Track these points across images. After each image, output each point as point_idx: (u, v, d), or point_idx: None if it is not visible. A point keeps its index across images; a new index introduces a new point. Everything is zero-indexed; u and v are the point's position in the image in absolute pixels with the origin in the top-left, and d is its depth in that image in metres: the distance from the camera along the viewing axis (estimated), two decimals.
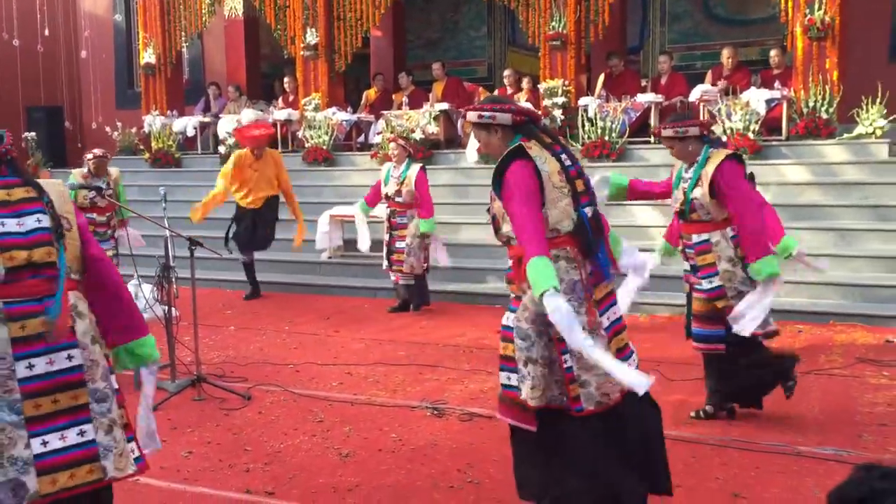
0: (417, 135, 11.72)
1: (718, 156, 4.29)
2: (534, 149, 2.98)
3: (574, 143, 10.66)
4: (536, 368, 2.91)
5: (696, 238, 4.49)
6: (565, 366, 2.92)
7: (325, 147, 12.30)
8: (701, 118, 10.14)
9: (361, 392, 5.35)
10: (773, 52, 10.86)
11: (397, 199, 7.68)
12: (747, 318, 4.21)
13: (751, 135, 9.74)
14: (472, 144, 11.39)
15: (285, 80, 13.60)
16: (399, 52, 15.13)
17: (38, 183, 2.43)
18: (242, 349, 6.69)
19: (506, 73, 12.72)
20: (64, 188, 2.48)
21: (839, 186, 9.08)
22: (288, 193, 8.92)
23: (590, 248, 2.94)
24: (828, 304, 7.66)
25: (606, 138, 10.57)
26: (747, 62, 11.69)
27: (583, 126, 10.77)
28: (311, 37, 12.69)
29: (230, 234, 8.87)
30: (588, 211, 3.01)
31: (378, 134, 12.23)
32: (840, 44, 9.86)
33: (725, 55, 11.01)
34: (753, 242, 4.21)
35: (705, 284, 4.46)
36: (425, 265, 7.68)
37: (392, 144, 7.80)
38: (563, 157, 3.04)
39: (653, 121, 10.74)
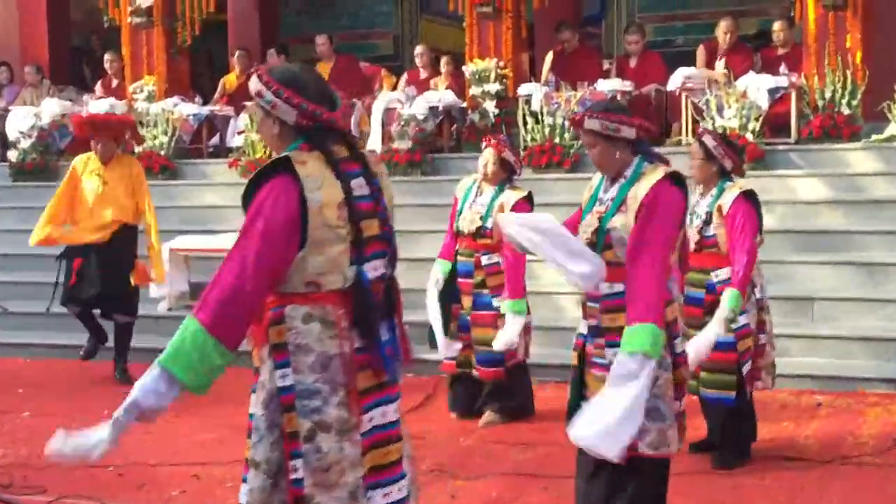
0: None
1: (653, 174, 3.85)
2: (309, 163, 2.92)
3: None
4: (258, 476, 2.94)
5: (605, 288, 3.91)
6: (292, 476, 2.88)
7: (162, 152, 12.03)
8: (687, 116, 10.36)
9: None
10: (776, 26, 11.09)
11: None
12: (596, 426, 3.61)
13: (750, 136, 9.87)
14: (372, 147, 11.23)
15: (106, 57, 13.32)
16: (269, 19, 15.03)
17: None
18: (40, 444, 6.25)
19: (418, 49, 12.68)
20: None
21: (866, 205, 9.24)
22: (148, 217, 8.10)
23: (366, 322, 2.96)
24: (855, 365, 7.72)
25: (557, 140, 10.55)
26: (742, 38, 11.83)
27: (524, 123, 10.76)
28: None
29: (58, 282, 8.25)
30: (373, 269, 2.99)
31: (239, 134, 12.02)
32: (864, 14, 10.12)
33: (722, 29, 11.16)
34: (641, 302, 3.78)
35: (609, 357, 3.83)
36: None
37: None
38: (358, 183, 2.99)
39: None
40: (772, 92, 10.03)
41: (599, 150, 3.93)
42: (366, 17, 16.16)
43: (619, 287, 3.83)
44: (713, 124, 9.88)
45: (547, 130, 10.61)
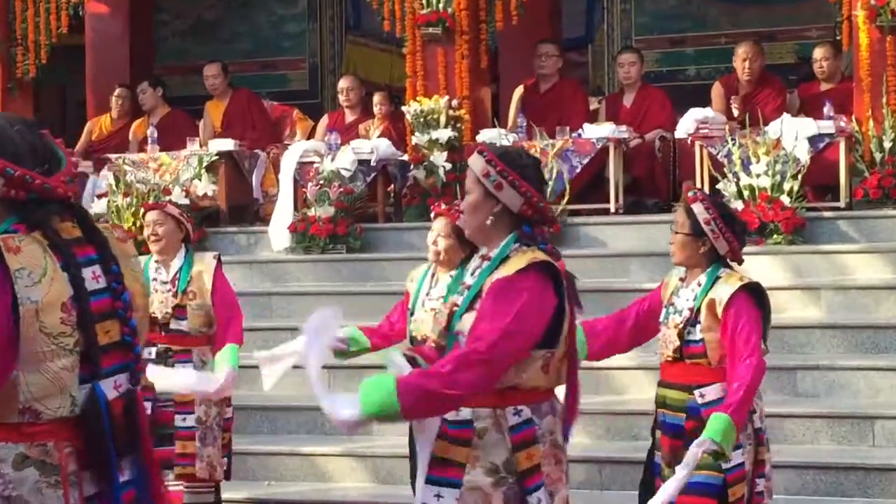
0: (177, 198, 11.56)
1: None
2: (24, 250, 2.93)
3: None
4: None
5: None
6: None
7: None
8: (711, 179, 10.57)
9: None
10: (817, 53, 11.41)
11: (174, 328, 7.67)
12: None
13: (786, 198, 10.09)
14: (282, 215, 11.33)
15: None
16: (142, 44, 15.14)
17: None
18: None
19: (342, 83, 12.84)
20: None
21: None
22: None
23: (101, 461, 2.96)
24: None
25: None
26: (773, 68, 12.17)
27: None
28: None
29: None
30: (112, 387, 2.99)
31: (100, 198, 12.09)
32: None
33: (740, 55, 11.49)
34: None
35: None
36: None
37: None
38: (93, 272, 3.02)
39: (612, 171, 11.03)
40: (814, 141, 10.28)
41: (472, 200, 4.15)
42: (272, 39, 16.35)
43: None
44: (737, 183, 10.14)
45: None
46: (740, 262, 5.65)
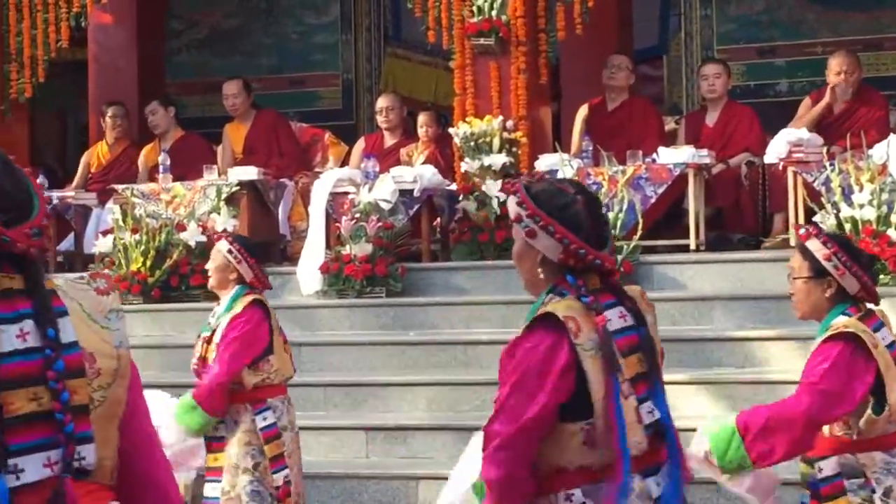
0: (193, 235, 11.60)
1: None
2: None
3: None
4: None
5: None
6: None
7: None
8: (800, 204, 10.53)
9: None
10: None
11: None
12: None
13: (893, 233, 9.97)
14: (312, 254, 11.35)
15: None
16: (152, 58, 15.19)
17: None
18: None
19: (382, 101, 12.85)
20: None
21: None
22: None
23: None
24: None
25: None
26: (877, 80, 12.12)
27: None
28: None
29: None
30: (44, 464, 2.90)
31: (104, 235, 12.16)
32: None
33: (833, 69, 11.45)
34: None
35: None
36: None
37: None
38: (19, 329, 2.97)
39: (692, 202, 10.97)
40: None
41: (516, 249, 4.21)
42: (300, 52, 16.41)
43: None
44: (837, 215, 10.04)
45: None
46: (876, 300, 5.54)
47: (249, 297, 7.38)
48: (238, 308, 7.24)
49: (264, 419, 7.28)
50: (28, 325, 2.93)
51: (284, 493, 7.33)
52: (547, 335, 3.91)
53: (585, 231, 3.96)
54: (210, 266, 7.56)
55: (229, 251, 7.36)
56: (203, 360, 7.26)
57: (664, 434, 4.10)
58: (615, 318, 3.99)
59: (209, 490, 7.25)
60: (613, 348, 3.96)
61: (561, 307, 3.94)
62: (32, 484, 2.84)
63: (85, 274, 3.14)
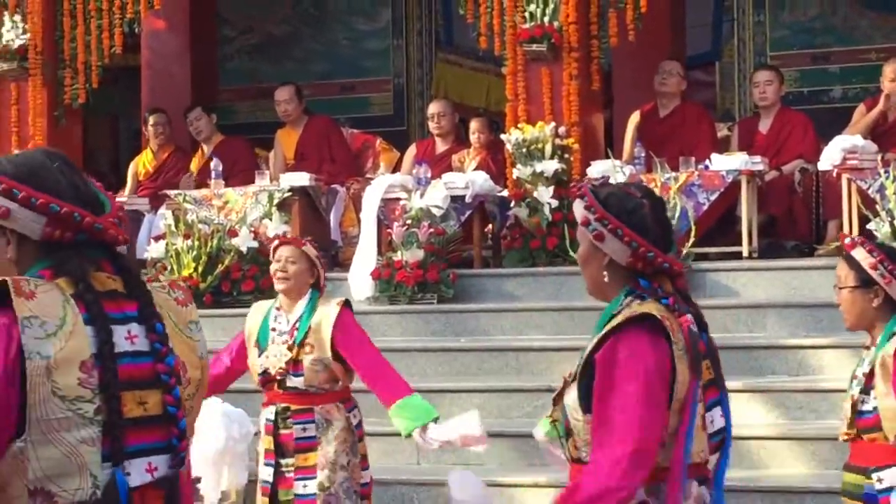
0: (244, 240, 11.66)
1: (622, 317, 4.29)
2: (40, 297, 2.92)
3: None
4: None
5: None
6: None
7: None
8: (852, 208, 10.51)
9: None
10: None
11: (291, 385, 7.49)
12: None
13: None
14: (364, 260, 11.39)
15: None
16: (204, 65, 15.33)
17: None
18: None
19: (433, 107, 12.90)
20: None
21: None
22: None
23: None
24: None
25: None
26: None
27: None
28: (13, 32, 12.81)
29: None
30: (140, 470, 2.94)
31: (157, 239, 12.23)
32: None
33: (889, 74, 11.46)
34: None
35: None
36: None
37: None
38: (128, 331, 3.00)
39: (744, 209, 10.97)
40: None
41: (581, 252, 4.18)
42: (351, 58, 16.41)
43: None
44: (892, 223, 10.02)
45: None
46: None
47: (337, 299, 7.48)
48: (331, 310, 7.27)
49: (355, 417, 7.32)
50: (135, 328, 2.97)
51: (368, 493, 7.39)
52: (652, 337, 3.89)
53: (653, 235, 3.99)
54: (290, 269, 7.57)
55: (317, 256, 7.40)
56: (296, 363, 7.29)
57: (722, 443, 4.13)
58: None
59: (300, 488, 7.24)
60: (699, 350, 3.97)
61: (653, 308, 3.92)
62: (136, 489, 2.88)
63: (164, 282, 3.15)
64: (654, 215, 4.04)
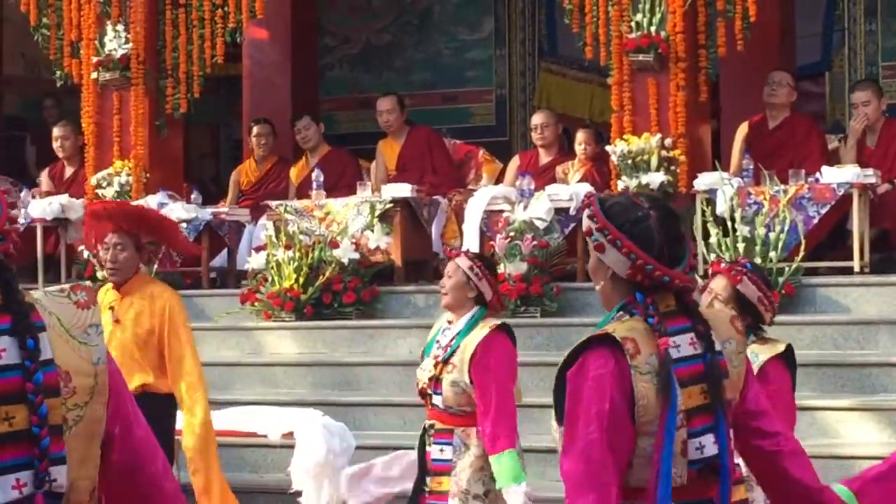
0: (346, 252, 11.72)
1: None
2: None
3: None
4: None
5: None
6: None
7: None
8: None
9: None
10: None
11: (434, 402, 7.37)
12: None
13: None
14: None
15: (55, 133, 13.76)
16: (304, 72, 15.43)
17: None
18: None
19: (537, 118, 12.90)
20: None
21: None
22: (188, 384, 8.09)
23: None
24: None
25: (759, 261, 10.58)
26: None
27: (706, 235, 10.91)
28: (115, 41, 12.93)
29: None
30: (13, 486, 2.90)
31: (257, 250, 12.30)
32: None
33: None
34: None
35: None
36: None
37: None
38: None
39: (856, 223, 10.88)
40: None
41: (590, 263, 4.15)
42: (453, 67, 16.46)
43: None
44: None
45: (742, 246, 10.67)
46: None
47: (494, 322, 7.22)
48: (482, 332, 7.07)
49: None
50: (4, 341, 2.92)
51: None
52: (609, 357, 3.87)
53: (657, 247, 3.89)
54: (446, 284, 7.48)
55: (470, 268, 7.21)
56: (437, 380, 7.14)
57: (717, 471, 3.98)
58: (684, 345, 3.91)
59: None
60: (671, 375, 3.87)
61: (622, 328, 3.91)
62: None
63: (66, 286, 3.10)
64: (660, 227, 3.92)
